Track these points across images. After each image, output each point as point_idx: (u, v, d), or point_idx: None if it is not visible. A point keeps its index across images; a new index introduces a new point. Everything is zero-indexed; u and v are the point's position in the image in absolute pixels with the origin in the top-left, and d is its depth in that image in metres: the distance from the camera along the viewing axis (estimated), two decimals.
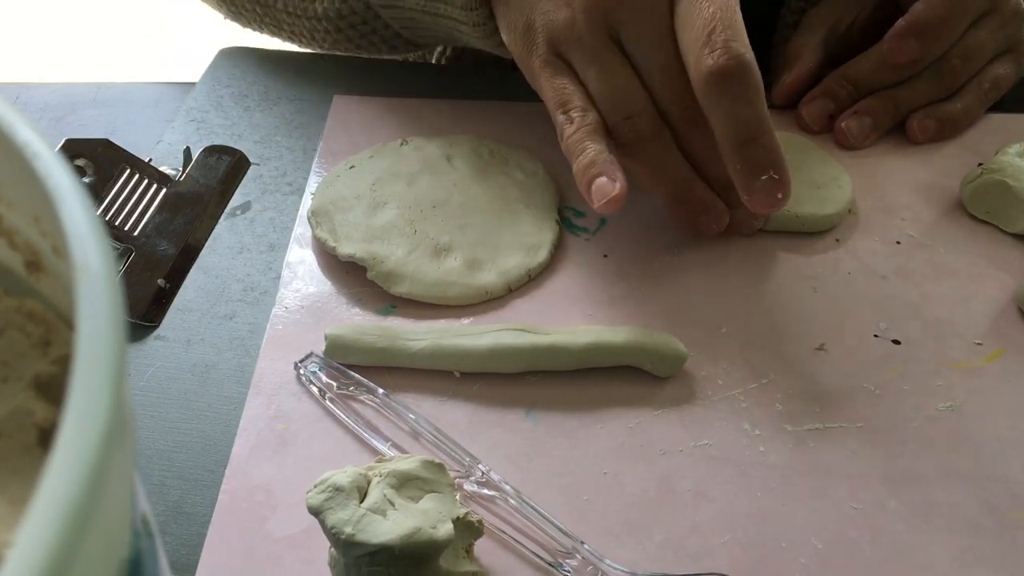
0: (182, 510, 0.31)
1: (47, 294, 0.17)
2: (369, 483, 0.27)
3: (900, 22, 0.45)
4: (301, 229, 0.42)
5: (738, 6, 0.35)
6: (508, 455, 0.32)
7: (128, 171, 0.43)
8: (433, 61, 0.62)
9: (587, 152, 0.37)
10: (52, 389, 0.16)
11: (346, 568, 0.26)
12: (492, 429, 0.33)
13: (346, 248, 0.39)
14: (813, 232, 0.42)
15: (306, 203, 0.44)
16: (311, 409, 0.34)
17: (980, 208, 0.43)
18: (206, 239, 0.42)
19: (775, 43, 0.55)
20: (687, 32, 0.36)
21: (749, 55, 0.35)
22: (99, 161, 0.42)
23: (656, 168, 0.39)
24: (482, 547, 0.29)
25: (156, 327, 0.38)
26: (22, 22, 1.73)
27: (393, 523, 0.25)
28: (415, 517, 0.26)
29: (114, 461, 0.10)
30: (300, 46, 0.56)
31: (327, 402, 0.34)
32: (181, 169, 0.46)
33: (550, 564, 0.28)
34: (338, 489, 0.26)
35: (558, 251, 0.41)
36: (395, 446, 0.32)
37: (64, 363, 0.16)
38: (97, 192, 0.42)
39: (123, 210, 0.42)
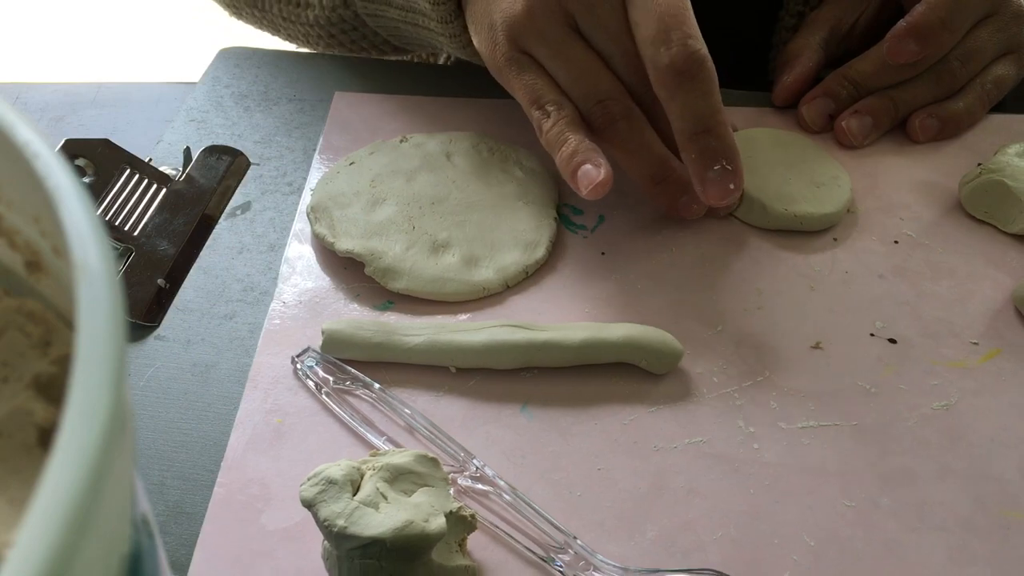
0: (182, 510, 0.31)
1: (47, 294, 0.18)
2: (363, 476, 0.27)
3: (900, 23, 0.45)
4: (300, 225, 0.42)
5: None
6: (503, 450, 0.32)
7: (128, 171, 0.43)
8: (440, 62, 0.62)
9: (568, 143, 0.38)
10: (52, 389, 0.16)
11: (339, 561, 0.27)
12: (487, 424, 0.33)
13: (344, 244, 0.39)
14: (811, 231, 0.42)
15: (305, 199, 0.44)
16: (307, 403, 0.34)
17: (979, 208, 0.43)
18: (206, 239, 0.42)
19: (775, 43, 0.55)
20: (641, 28, 0.36)
21: (704, 50, 0.35)
22: (99, 161, 0.42)
23: (631, 149, 0.40)
24: (475, 541, 0.29)
25: (156, 327, 0.38)
26: (22, 22, 1.73)
27: (385, 516, 0.25)
28: (407, 511, 0.26)
29: (114, 461, 0.10)
30: (298, 46, 0.57)
31: (323, 396, 0.34)
32: (181, 169, 0.46)
33: (543, 559, 0.29)
34: (331, 482, 0.26)
35: (556, 248, 0.41)
36: (390, 440, 0.32)
37: (64, 363, 0.16)
38: (97, 192, 0.42)
39: (123, 210, 0.42)
